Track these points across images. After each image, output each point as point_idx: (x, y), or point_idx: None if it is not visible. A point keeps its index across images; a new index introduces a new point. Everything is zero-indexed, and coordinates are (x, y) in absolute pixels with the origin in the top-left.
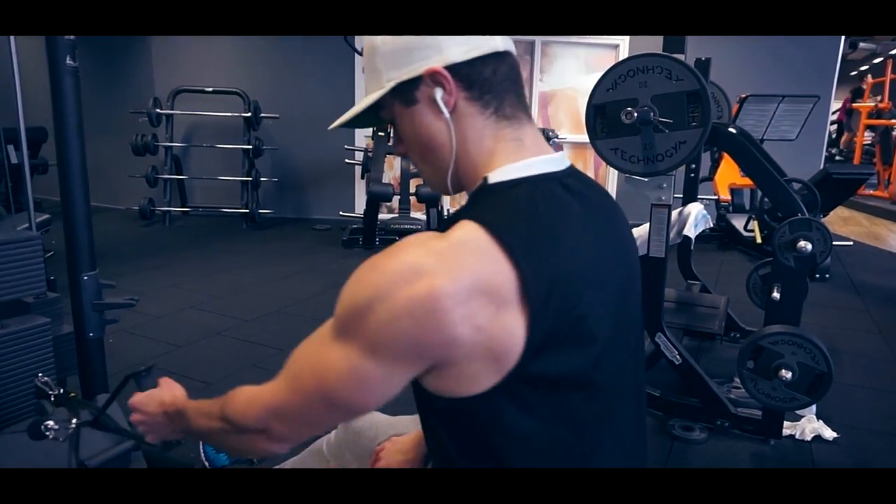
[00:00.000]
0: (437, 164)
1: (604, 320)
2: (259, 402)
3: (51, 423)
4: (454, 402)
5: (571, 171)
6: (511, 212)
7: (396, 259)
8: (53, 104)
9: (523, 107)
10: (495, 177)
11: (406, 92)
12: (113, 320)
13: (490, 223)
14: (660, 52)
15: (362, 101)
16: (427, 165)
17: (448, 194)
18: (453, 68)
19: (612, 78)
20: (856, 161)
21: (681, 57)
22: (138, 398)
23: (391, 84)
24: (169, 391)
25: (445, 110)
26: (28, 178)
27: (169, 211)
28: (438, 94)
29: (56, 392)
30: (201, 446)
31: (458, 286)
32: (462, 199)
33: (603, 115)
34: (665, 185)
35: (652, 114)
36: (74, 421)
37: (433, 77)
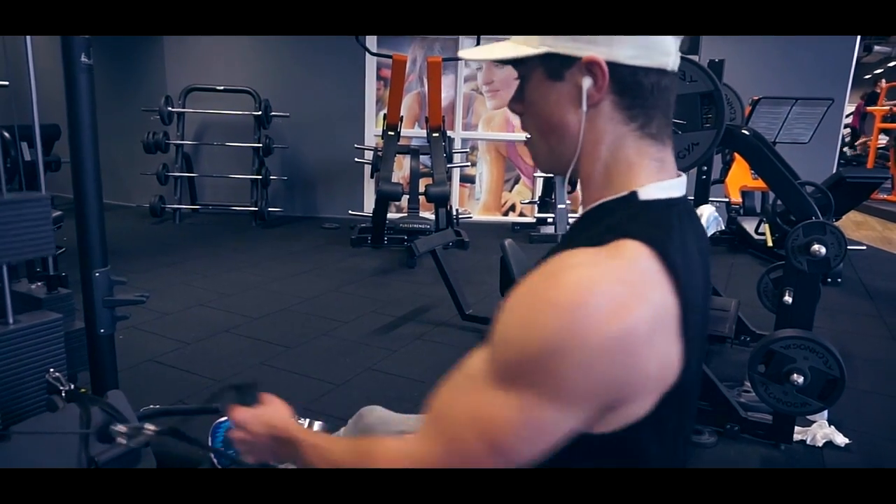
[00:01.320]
0: (557, 147)
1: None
2: (408, 461)
3: (121, 427)
4: (595, 438)
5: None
6: (672, 235)
7: (579, 290)
8: (68, 102)
9: (668, 129)
10: (647, 193)
11: (556, 65)
12: (123, 317)
13: (657, 245)
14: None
15: (506, 48)
16: (543, 143)
17: (552, 174)
18: (614, 67)
19: None
20: (869, 165)
21: (695, 58)
22: (244, 415)
23: (544, 49)
24: (277, 412)
25: (585, 103)
26: (42, 176)
27: (179, 208)
28: (587, 83)
29: (67, 388)
30: (211, 438)
31: (649, 320)
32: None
33: None
34: None
35: None
36: (151, 428)
37: (589, 65)
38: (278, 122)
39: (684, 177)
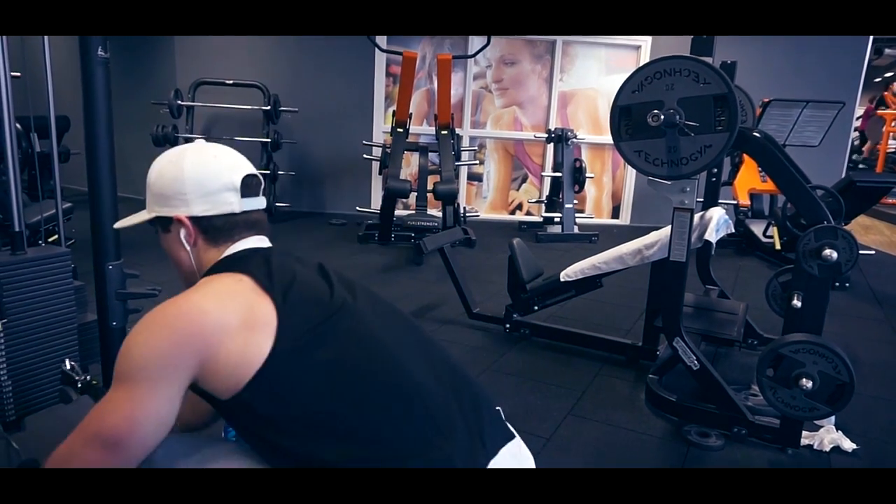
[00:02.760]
0: (181, 271)
1: None
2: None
3: None
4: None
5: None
6: (252, 265)
7: (165, 306)
8: (84, 95)
9: (256, 230)
10: (231, 251)
11: (164, 222)
12: (136, 310)
13: (241, 268)
14: (687, 54)
15: (139, 215)
16: (179, 271)
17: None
18: (196, 219)
19: (639, 80)
20: (878, 169)
21: (708, 60)
22: None
23: (152, 215)
24: None
25: (187, 245)
26: (56, 167)
27: None
28: (182, 233)
29: (82, 378)
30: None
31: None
32: None
33: (628, 116)
34: (688, 189)
35: (678, 117)
36: None
37: (178, 223)
38: (287, 117)
39: (265, 238)
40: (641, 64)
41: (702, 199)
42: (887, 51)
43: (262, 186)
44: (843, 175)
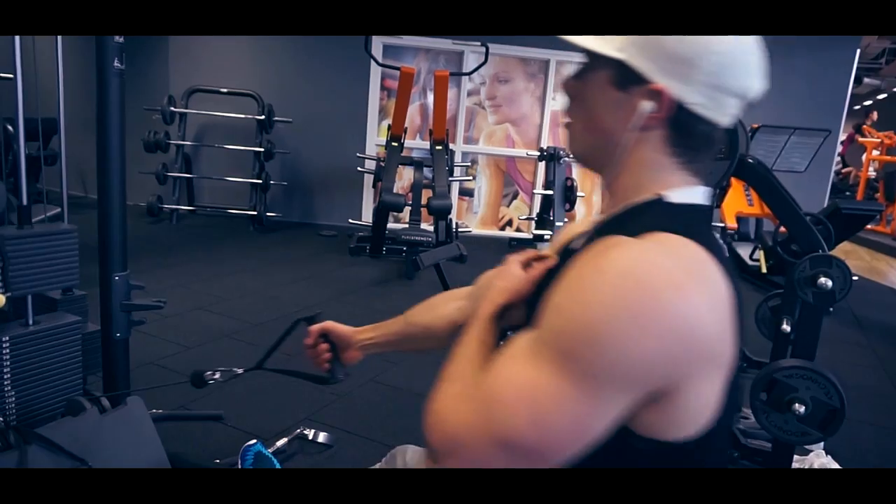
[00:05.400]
0: (595, 146)
1: None
2: (453, 418)
3: (211, 372)
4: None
5: None
6: (705, 234)
7: (630, 262)
8: (98, 106)
9: (706, 171)
10: (674, 197)
11: (625, 76)
12: (140, 321)
13: (696, 238)
14: None
15: (596, 42)
16: (584, 135)
17: (580, 163)
18: (679, 105)
19: None
20: (859, 196)
21: None
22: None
23: (621, 56)
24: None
25: (636, 125)
26: (64, 171)
27: (177, 209)
28: (647, 107)
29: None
30: (240, 461)
31: (706, 301)
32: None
33: None
34: None
35: None
36: (240, 370)
37: (656, 93)
38: (280, 127)
39: (709, 188)
40: None
41: None
42: (866, 80)
43: None
44: (827, 200)
